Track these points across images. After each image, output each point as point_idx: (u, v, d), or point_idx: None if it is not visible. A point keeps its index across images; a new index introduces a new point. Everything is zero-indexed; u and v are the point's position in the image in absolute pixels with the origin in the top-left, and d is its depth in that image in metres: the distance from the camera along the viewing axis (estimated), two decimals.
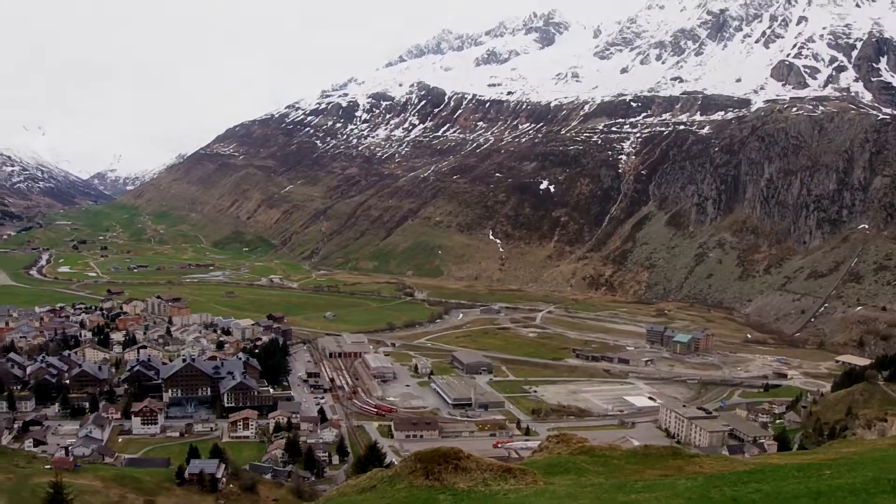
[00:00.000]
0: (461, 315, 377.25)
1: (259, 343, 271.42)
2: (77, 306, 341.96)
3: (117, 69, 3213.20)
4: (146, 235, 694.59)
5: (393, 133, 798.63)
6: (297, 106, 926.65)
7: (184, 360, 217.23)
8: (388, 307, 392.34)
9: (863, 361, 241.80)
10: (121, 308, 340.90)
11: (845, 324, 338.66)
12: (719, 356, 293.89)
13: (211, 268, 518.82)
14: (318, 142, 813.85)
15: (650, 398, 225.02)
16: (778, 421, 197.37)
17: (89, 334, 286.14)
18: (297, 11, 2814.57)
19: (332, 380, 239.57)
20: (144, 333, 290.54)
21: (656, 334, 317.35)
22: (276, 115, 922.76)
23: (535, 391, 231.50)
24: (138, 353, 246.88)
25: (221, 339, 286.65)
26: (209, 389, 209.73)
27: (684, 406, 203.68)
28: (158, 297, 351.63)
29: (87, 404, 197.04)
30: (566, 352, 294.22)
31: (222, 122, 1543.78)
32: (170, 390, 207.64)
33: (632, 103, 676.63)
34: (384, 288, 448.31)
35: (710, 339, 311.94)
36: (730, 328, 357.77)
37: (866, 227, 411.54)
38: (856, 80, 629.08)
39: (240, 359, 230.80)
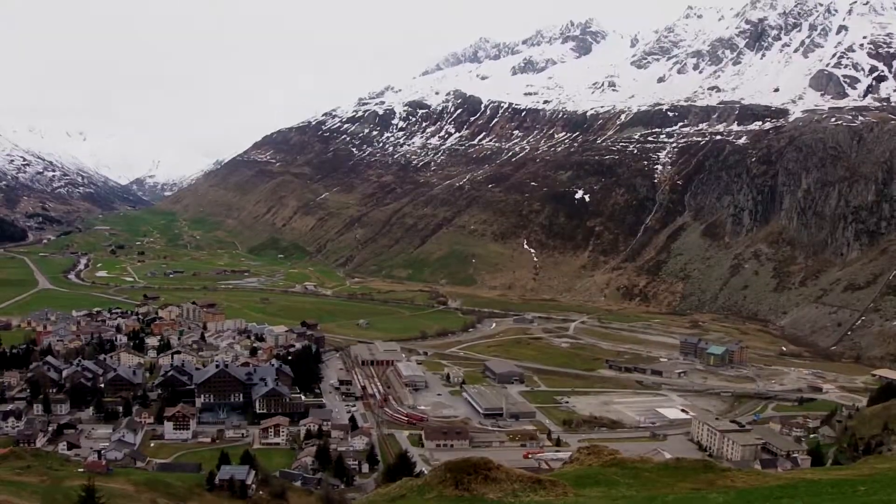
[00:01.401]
0: (494, 324, 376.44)
1: (292, 350, 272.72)
2: (114, 311, 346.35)
3: (157, 77, 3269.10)
4: (183, 241, 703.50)
5: (429, 141, 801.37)
6: (333, 114, 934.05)
7: (217, 366, 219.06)
8: (421, 315, 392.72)
9: None
10: (156, 313, 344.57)
11: (883, 337, 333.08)
12: (753, 369, 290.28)
13: (246, 274, 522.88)
14: (354, 149, 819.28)
15: (683, 410, 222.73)
16: (812, 435, 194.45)
17: (125, 339, 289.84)
18: (335, 20, 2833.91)
19: (363, 387, 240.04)
20: (179, 339, 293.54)
21: (690, 346, 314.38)
22: (314, 123, 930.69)
23: (567, 402, 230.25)
24: (172, 358, 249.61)
25: (255, 345, 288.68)
26: (241, 395, 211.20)
27: (717, 419, 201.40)
28: (193, 303, 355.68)
29: (120, 408, 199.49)
30: (599, 363, 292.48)
31: (260, 130, 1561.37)
32: (202, 396, 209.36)
33: (668, 113, 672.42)
34: (417, 296, 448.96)
35: (745, 352, 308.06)
36: (764, 341, 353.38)
37: None
38: None
39: (272, 365, 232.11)
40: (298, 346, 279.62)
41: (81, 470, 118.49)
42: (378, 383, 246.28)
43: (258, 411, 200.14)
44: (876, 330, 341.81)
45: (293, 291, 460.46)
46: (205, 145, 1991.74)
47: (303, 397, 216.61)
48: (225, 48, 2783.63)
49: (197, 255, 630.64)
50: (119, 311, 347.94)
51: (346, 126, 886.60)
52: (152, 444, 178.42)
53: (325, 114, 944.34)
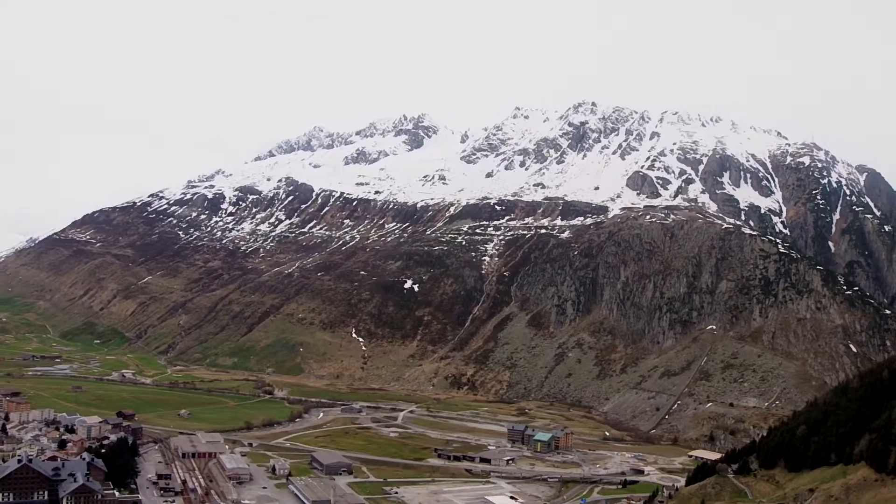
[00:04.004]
0: (322, 414, 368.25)
1: (106, 442, 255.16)
2: None
3: None
4: None
5: (258, 227, 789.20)
6: (161, 195, 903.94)
7: (19, 461, 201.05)
8: (247, 405, 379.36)
9: (714, 456, 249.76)
10: None
11: (697, 420, 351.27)
12: (579, 454, 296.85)
13: (57, 360, 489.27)
14: (181, 233, 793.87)
15: (512, 497, 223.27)
16: None
17: None
18: (168, 98, 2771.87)
19: (184, 482, 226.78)
20: None
21: (517, 433, 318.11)
22: (139, 203, 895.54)
23: (397, 492, 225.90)
24: None
25: (64, 437, 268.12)
26: (47, 493, 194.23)
27: None
28: None
29: None
30: (428, 452, 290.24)
31: (80, 207, 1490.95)
32: (1, 494, 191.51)
33: (496, 206, 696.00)
34: (243, 385, 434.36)
35: (570, 438, 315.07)
36: (589, 426, 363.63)
37: (714, 327, 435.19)
38: (702, 191, 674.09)
39: (84, 459, 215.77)
40: (113, 437, 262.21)
41: None
42: (200, 477, 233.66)
43: None
44: (691, 413, 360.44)
45: (109, 379, 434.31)
46: (17, 221, 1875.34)
47: (117, 493, 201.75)
48: (46, 121, 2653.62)
49: (2, 338, 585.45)
50: None
51: (173, 208, 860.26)
52: None
53: (152, 195, 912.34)
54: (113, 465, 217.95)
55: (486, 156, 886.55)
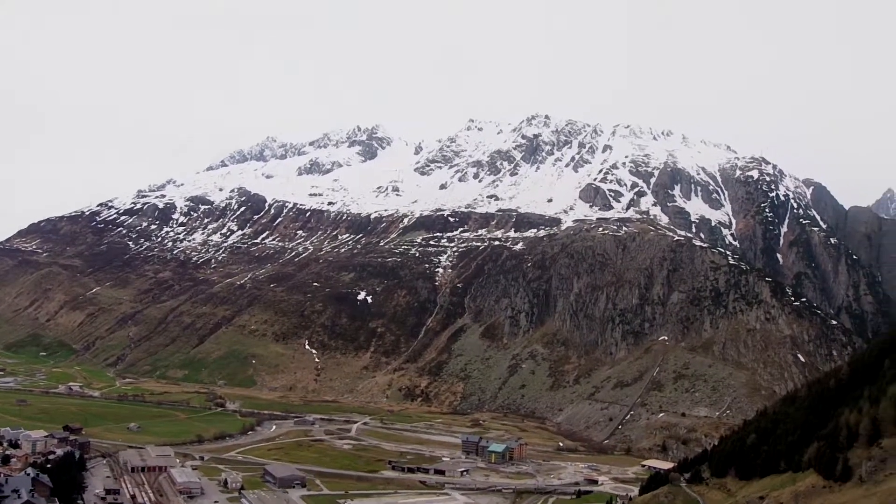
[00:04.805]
0: (274, 427, 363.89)
1: (52, 457, 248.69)
2: None
3: None
4: None
5: (210, 238, 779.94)
6: (110, 204, 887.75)
7: None
8: (198, 418, 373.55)
9: (666, 465, 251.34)
10: None
11: (650, 430, 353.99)
12: (533, 465, 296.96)
13: (0, 373, 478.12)
14: (130, 243, 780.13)
15: None
16: None
17: None
18: (116, 106, 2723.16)
19: (133, 496, 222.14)
20: None
21: (471, 444, 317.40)
22: (87, 213, 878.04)
23: None
24: None
25: (7, 452, 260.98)
26: None
27: None
28: None
29: None
30: (382, 464, 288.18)
31: (26, 216, 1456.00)
32: None
33: (449, 218, 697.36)
34: (194, 398, 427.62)
35: (524, 448, 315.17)
36: (543, 437, 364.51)
37: (666, 338, 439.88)
38: (654, 204, 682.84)
39: (28, 475, 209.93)
40: (60, 452, 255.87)
41: None
42: (149, 491, 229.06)
43: None
44: (643, 423, 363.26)
45: (56, 392, 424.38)
46: None
47: None
48: None
49: None
50: None
51: (122, 218, 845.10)
52: None
53: (101, 204, 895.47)
54: (59, 481, 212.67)
55: (440, 167, 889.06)
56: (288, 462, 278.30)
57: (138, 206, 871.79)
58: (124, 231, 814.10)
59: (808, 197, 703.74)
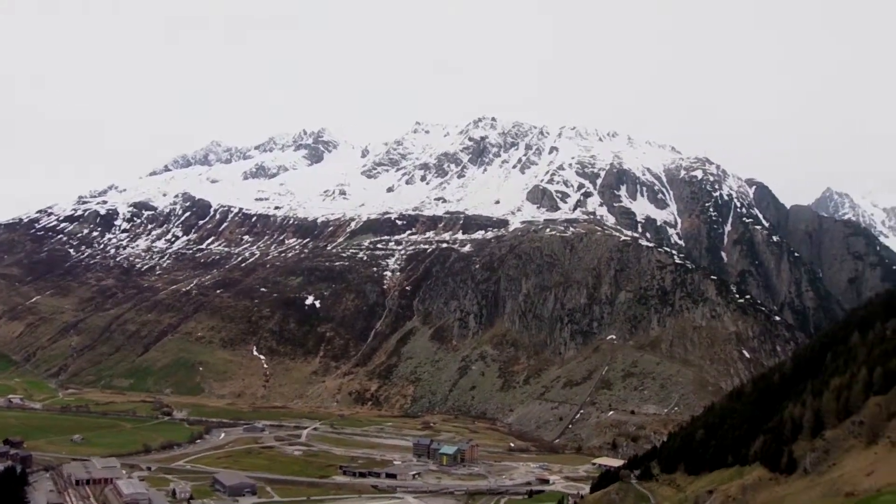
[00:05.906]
0: (223, 434, 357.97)
1: None
2: None
3: None
4: None
5: (154, 244, 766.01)
6: (49, 211, 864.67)
7: None
8: (144, 428, 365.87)
9: (617, 462, 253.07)
10: None
11: (600, 428, 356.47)
12: (485, 466, 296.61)
13: None
14: (71, 250, 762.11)
15: None
16: None
17: None
18: (52, 109, 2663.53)
19: None
20: None
21: (423, 447, 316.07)
22: (25, 220, 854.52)
23: None
24: None
25: None
26: None
27: None
28: None
29: None
30: (333, 469, 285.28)
31: None
32: None
33: (397, 221, 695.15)
34: (140, 407, 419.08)
35: (476, 450, 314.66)
36: (494, 438, 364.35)
37: (614, 337, 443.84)
38: (601, 205, 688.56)
39: None
40: (0, 467, 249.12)
41: None
42: None
43: None
44: (593, 422, 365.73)
45: None
46: None
47: None
48: None
49: None
50: None
51: (63, 225, 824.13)
52: None
53: (40, 210, 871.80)
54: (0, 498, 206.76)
55: (387, 170, 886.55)
56: (238, 470, 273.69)
57: (79, 212, 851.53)
58: (65, 238, 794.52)
59: (751, 196, 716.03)
